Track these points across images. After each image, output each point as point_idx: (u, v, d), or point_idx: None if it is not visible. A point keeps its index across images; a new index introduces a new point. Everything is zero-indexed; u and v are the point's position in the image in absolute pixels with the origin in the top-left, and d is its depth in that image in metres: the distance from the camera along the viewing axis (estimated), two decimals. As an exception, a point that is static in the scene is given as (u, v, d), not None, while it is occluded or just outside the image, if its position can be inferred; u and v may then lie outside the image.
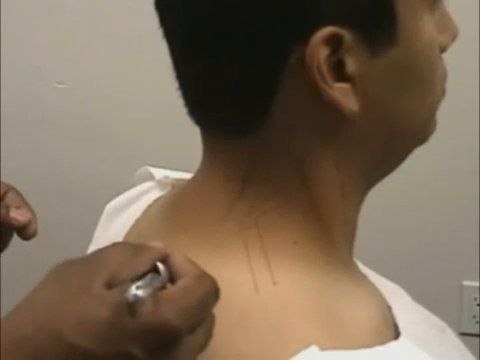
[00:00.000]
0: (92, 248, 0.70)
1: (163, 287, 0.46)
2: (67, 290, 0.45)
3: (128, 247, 0.48)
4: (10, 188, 0.75)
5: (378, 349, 0.49)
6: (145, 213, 0.64)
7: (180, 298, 0.45)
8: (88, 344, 0.43)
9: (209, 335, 0.47)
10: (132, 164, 0.83)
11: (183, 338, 0.44)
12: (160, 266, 0.47)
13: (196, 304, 0.45)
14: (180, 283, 0.46)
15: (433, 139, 0.58)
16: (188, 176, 0.60)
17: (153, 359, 0.44)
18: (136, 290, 0.44)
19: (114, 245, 0.49)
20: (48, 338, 0.43)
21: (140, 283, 0.45)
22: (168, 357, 0.45)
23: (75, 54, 1.72)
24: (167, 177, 0.68)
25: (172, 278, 0.47)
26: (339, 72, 0.49)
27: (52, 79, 1.73)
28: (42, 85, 1.74)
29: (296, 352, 0.47)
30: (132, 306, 0.43)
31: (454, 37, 0.57)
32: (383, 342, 0.50)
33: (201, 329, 0.46)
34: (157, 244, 0.48)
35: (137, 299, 0.44)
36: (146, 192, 0.69)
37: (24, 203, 0.74)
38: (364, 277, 0.60)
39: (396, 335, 0.53)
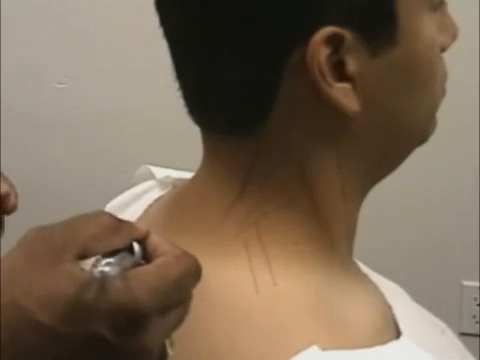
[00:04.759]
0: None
1: (137, 266, 0.45)
2: (37, 262, 0.43)
3: (108, 220, 0.45)
4: None
5: (379, 349, 0.49)
6: (146, 213, 0.64)
7: (154, 277, 0.43)
8: (55, 322, 0.41)
9: (183, 316, 0.45)
10: (132, 163, 0.83)
11: (154, 319, 0.42)
12: (135, 245, 0.46)
13: (171, 284, 0.43)
14: (156, 261, 0.44)
15: (433, 139, 0.58)
16: (189, 176, 0.60)
17: (123, 340, 0.42)
18: (104, 267, 0.42)
19: (94, 215, 0.46)
20: (18, 314, 0.41)
21: (111, 260, 0.43)
22: (138, 337, 0.42)
23: (75, 54, 1.72)
24: (168, 177, 0.68)
25: (148, 258, 0.46)
26: (340, 72, 0.49)
27: (52, 79, 1.74)
28: (42, 85, 1.74)
29: (297, 352, 0.47)
30: (100, 283, 0.41)
31: (454, 37, 0.57)
32: (384, 342, 0.50)
33: (176, 311, 0.44)
34: (139, 224, 0.47)
35: (105, 276, 0.42)
36: (147, 191, 0.69)
37: (3, 178, 0.72)
38: (364, 277, 0.60)
39: (397, 335, 0.53)
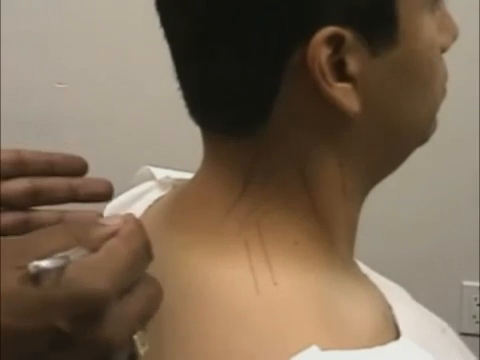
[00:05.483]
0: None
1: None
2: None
3: (67, 236, 0.45)
4: None
5: (379, 349, 0.49)
6: (145, 213, 0.64)
7: (103, 261, 0.43)
8: (6, 319, 0.41)
9: (150, 303, 0.45)
10: (132, 164, 0.83)
11: (111, 305, 0.42)
12: None
13: (120, 266, 0.43)
14: (105, 245, 0.44)
15: (433, 139, 0.58)
16: (189, 176, 0.60)
17: (81, 331, 0.42)
18: (40, 261, 0.42)
19: (52, 231, 0.46)
20: None
21: (58, 254, 0.43)
22: (97, 327, 0.42)
23: (75, 54, 1.72)
24: (168, 177, 0.68)
25: None
26: (340, 72, 0.49)
27: (52, 79, 1.74)
28: (42, 85, 1.74)
29: (296, 352, 0.47)
30: (34, 277, 0.41)
31: (454, 37, 0.57)
32: (384, 342, 0.50)
33: (134, 295, 0.44)
34: (107, 224, 0.46)
35: (39, 270, 0.41)
36: (147, 192, 0.69)
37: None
38: (365, 277, 0.60)
39: (397, 335, 0.53)
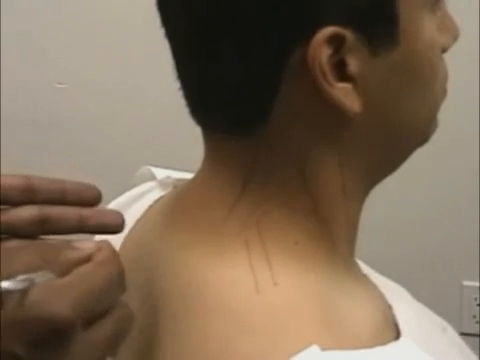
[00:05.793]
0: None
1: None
2: None
3: (37, 254, 0.44)
4: None
5: (379, 349, 0.49)
6: (146, 213, 0.64)
7: (72, 287, 0.41)
8: None
9: (119, 331, 0.44)
10: (132, 164, 0.83)
11: (76, 332, 0.40)
12: None
13: (90, 294, 0.42)
14: (78, 270, 0.43)
15: (433, 139, 0.58)
16: (189, 176, 0.60)
17: (39, 357, 0.40)
18: (2, 282, 0.40)
19: (28, 248, 0.45)
20: None
21: (22, 276, 0.41)
22: (60, 353, 0.40)
23: (75, 54, 1.72)
24: (169, 177, 0.68)
25: None
26: (341, 72, 0.49)
27: (52, 79, 1.74)
28: (42, 85, 1.74)
29: (296, 352, 0.47)
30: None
31: (455, 38, 0.57)
32: (384, 342, 0.50)
33: (104, 323, 0.43)
34: (81, 247, 0.45)
35: (0, 291, 0.40)
36: (147, 192, 0.69)
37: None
38: (365, 277, 0.60)
39: (397, 335, 0.53)
